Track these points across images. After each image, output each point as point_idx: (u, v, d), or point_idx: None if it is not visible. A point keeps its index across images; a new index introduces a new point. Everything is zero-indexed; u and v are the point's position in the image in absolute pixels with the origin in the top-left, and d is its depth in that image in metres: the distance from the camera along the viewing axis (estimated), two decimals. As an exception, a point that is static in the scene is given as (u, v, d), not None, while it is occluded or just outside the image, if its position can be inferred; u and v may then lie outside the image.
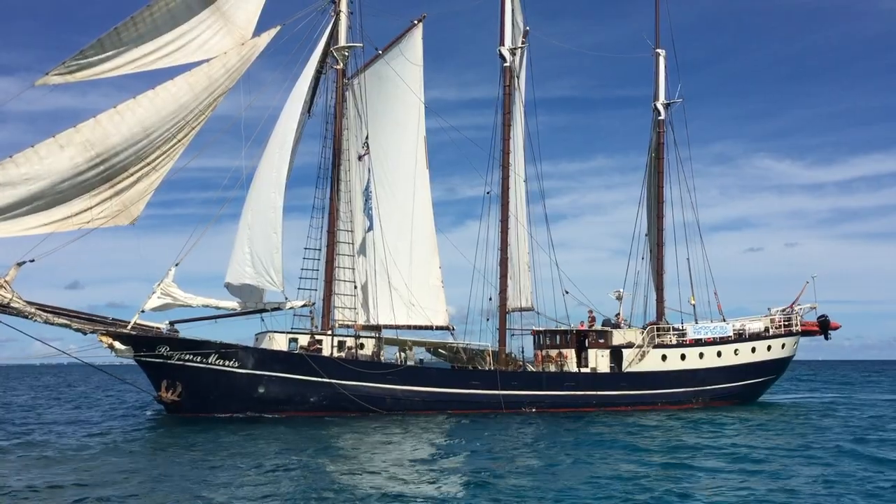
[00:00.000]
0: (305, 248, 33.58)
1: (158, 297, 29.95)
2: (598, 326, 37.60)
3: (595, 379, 35.74)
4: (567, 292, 37.26)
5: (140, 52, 28.23)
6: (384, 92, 35.72)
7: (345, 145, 34.65)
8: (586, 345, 36.39)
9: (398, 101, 35.93)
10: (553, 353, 36.52)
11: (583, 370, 35.89)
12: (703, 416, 32.36)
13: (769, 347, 38.91)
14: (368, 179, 33.85)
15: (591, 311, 38.19)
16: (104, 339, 28.50)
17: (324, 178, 34.40)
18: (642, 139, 45.25)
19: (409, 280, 34.78)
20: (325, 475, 17.43)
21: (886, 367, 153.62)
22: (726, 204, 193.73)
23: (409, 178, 35.93)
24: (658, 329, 38.02)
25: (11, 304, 26.74)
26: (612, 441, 23.75)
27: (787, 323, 39.39)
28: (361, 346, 33.29)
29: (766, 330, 39.19)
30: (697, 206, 41.58)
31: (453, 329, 36.13)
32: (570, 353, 36.17)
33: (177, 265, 30.44)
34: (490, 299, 36.96)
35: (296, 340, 32.16)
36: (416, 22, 36.34)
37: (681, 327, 38.64)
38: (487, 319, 36.73)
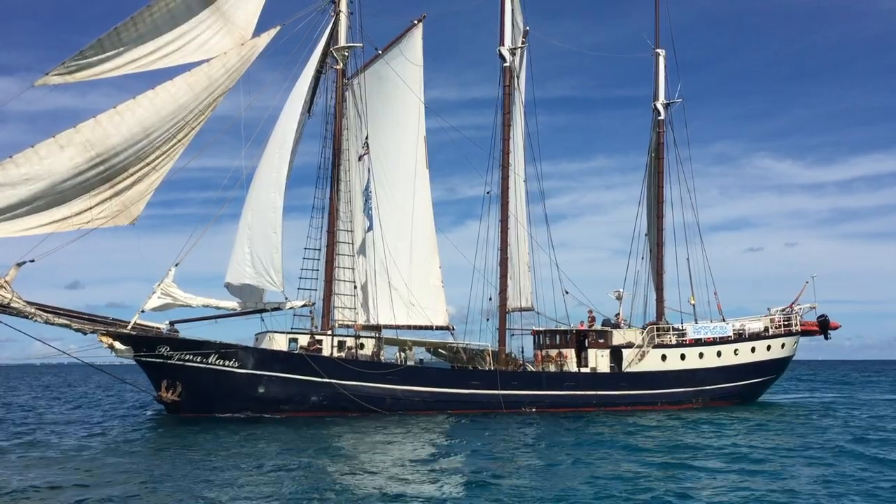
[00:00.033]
0: (305, 248, 33.67)
1: (158, 298, 29.96)
2: (597, 326, 37.60)
3: (595, 379, 35.75)
4: (567, 292, 37.34)
5: (140, 53, 28.23)
6: (384, 92, 35.73)
7: (345, 145, 34.66)
8: (586, 345, 36.40)
9: (398, 101, 35.94)
10: (553, 353, 36.53)
11: (583, 370, 35.90)
12: (703, 416, 32.36)
13: (769, 347, 38.92)
14: (368, 179, 33.85)
15: (590, 311, 38.27)
16: (104, 339, 28.51)
17: (324, 178, 34.48)
18: (642, 139, 45.32)
19: (409, 280, 34.79)
20: (326, 475, 17.44)
21: (886, 367, 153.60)
22: (726, 204, 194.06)
23: (409, 178, 35.94)
24: (658, 329, 38.04)
25: (11, 305, 26.74)
26: (612, 441, 23.75)
27: (786, 323, 39.40)
28: (361, 346, 33.29)
29: (766, 330, 39.20)
30: (697, 206, 41.68)
31: (453, 329, 36.19)
32: (570, 353, 36.18)
33: (177, 265, 30.45)
34: (490, 299, 37.01)
35: (296, 340, 32.16)
36: (415, 22, 36.35)
37: (681, 327, 38.65)
38: (487, 319, 36.81)
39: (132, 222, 29.70)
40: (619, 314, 39.09)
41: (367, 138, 34.44)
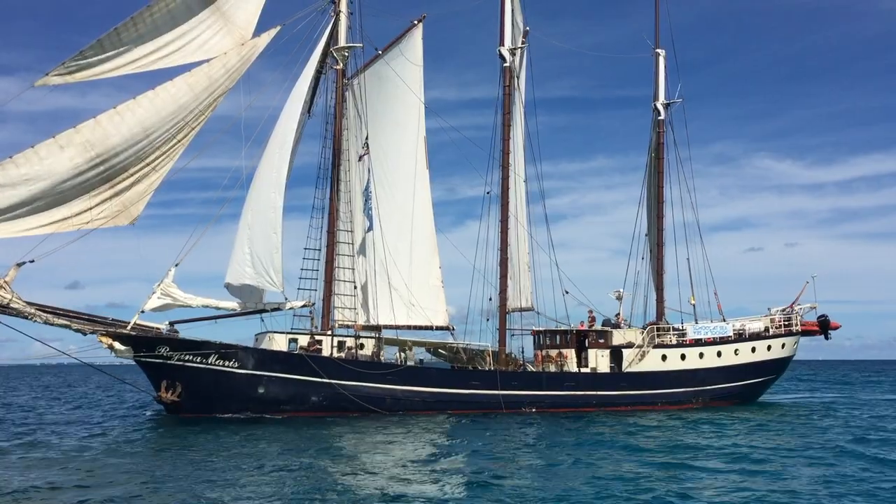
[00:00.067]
0: (305, 249, 33.65)
1: (158, 298, 29.94)
2: (598, 326, 37.60)
3: (595, 379, 35.74)
4: (567, 292, 37.33)
5: (140, 53, 28.21)
6: (384, 92, 35.72)
7: (345, 145, 34.65)
8: (586, 345, 36.39)
9: (398, 102, 35.93)
10: (553, 353, 36.52)
11: (583, 370, 35.89)
12: (703, 416, 32.36)
13: (769, 347, 38.92)
14: (368, 179, 33.84)
15: (591, 311, 38.27)
16: (104, 339, 28.50)
17: (324, 178, 34.47)
18: (642, 139, 45.32)
19: (409, 280, 34.78)
20: (327, 476, 17.43)
21: (887, 367, 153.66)
22: (726, 204, 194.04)
23: (408, 179, 35.93)
24: (658, 329, 38.03)
25: (11, 305, 26.73)
26: (613, 441, 23.75)
27: (787, 323, 39.40)
28: (361, 347, 33.28)
29: (766, 330, 39.20)
30: (697, 206, 41.67)
31: (453, 329, 36.17)
32: (570, 353, 36.17)
33: (177, 265, 30.44)
34: (490, 299, 37.01)
35: (296, 341, 32.15)
36: (415, 22, 36.34)
37: (681, 327, 38.65)
38: (487, 319, 36.81)
39: (132, 222, 29.69)
40: (619, 314, 39.09)
41: (367, 138, 34.43)
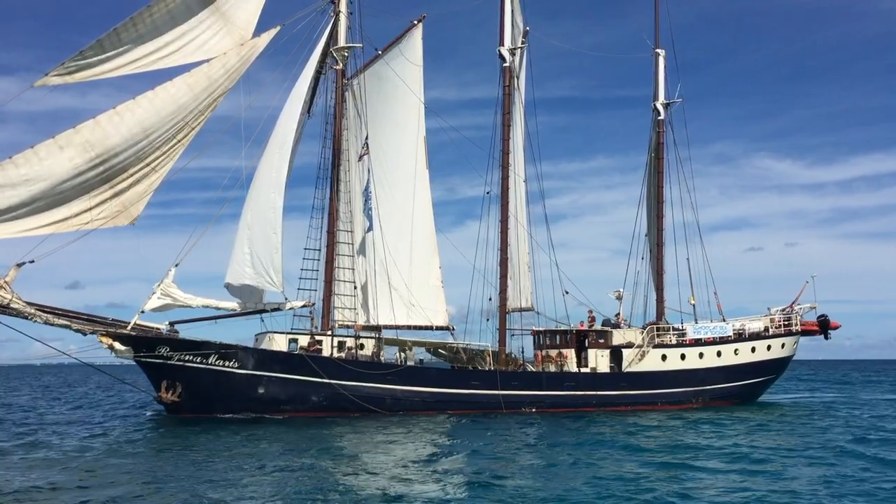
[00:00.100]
0: (305, 249, 33.66)
1: (158, 298, 29.94)
2: (598, 326, 37.60)
3: (595, 379, 35.75)
4: (567, 292, 37.35)
5: (140, 53, 28.20)
6: (384, 92, 35.72)
7: (344, 146, 34.65)
8: (586, 345, 36.39)
9: (398, 102, 35.93)
10: (553, 353, 36.53)
11: (583, 370, 35.89)
12: (703, 416, 32.36)
13: (769, 347, 38.93)
14: (368, 180, 33.83)
15: (591, 311, 38.27)
16: (104, 339, 28.51)
17: (323, 178, 34.47)
18: (642, 139, 45.33)
19: (409, 280, 34.78)
20: (328, 476, 17.44)
21: (887, 367, 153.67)
22: (726, 204, 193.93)
23: (408, 179, 35.93)
24: (658, 329, 38.04)
25: (11, 305, 26.73)
26: (613, 441, 23.75)
27: (786, 323, 39.41)
28: (361, 347, 33.29)
29: (766, 330, 39.20)
30: (697, 206, 41.71)
31: (453, 329, 36.18)
32: (570, 353, 36.17)
33: (176, 265, 30.43)
34: (490, 299, 37.02)
35: (296, 341, 32.15)
36: (415, 22, 36.34)
37: (681, 327, 38.65)
38: (487, 319, 36.81)
39: (132, 223, 29.68)
40: (619, 314, 39.10)
41: (366, 138, 34.42)
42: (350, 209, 34.39)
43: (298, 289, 32.98)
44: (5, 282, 26.81)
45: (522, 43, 38.73)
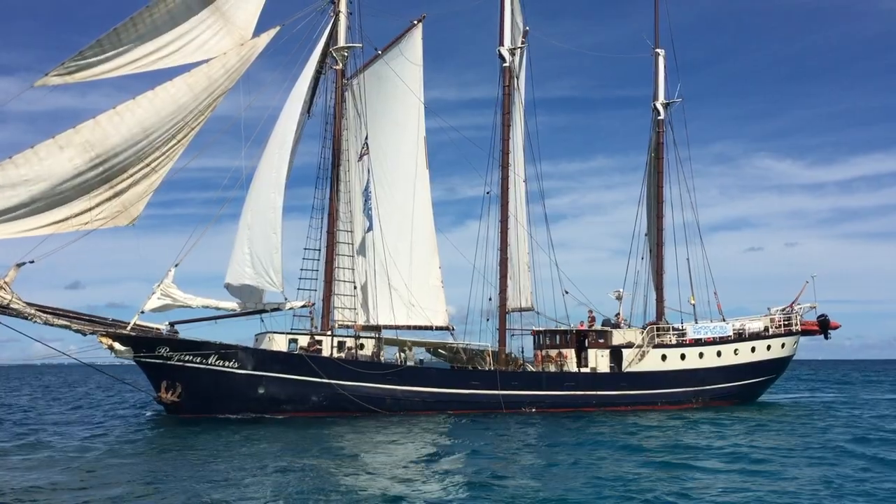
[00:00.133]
0: (305, 249, 33.65)
1: (158, 298, 29.94)
2: (597, 326, 37.60)
3: (595, 379, 35.74)
4: (567, 292, 37.35)
5: (139, 53, 28.19)
6: (383, 92, 35.72)
7: (344, 146, 34.65)
8: (586, 345, 36.40)
9: (398, 102, 35.92)
10: (553, 353, 36.53)
11: (583, 370, 35.89)
12: (703, 416, 32.36)
13: (769, 347, 38.92)
14: (368, 180, 33.83)
15: (590, 311, 38.28)
16: (104, 340, 28.51)
17: (323, 178, 34.46)
18: (642, 139, 45.33)
19: (409, 280, 34.78)
20: (329, 476, 17.44)
21: (887, 367, 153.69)
22: (726, 204, 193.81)
23: (408, 179, 35.93)
24: (658, 329, 38.04)
25: (11, 306, 26.73)
26: (613, 441, 23.73)
27: (786, 322, 39.41)
28: (361, 347, 33.28)
29: (766, 330, 39.20)
30: (697, 206, 41.74)
31: (453, 329, 36.18)
32: (570, 353, 36.17)
33: (176, 266, 30.43)
34: (490, 299, 37.02)
35: (295, 341, 32.15)
36: (415, 22, 36.33)
37: (681, 327, 38.66)
38: (487, 319, 36.81)
39: (132, 223, 29.67)
40: (619, 314, 39.11)
41: (366, 138, 34.42)
42: (350, 209, 34.39)
43: (298, 289, 33.06)
44: (5, 282, 26.81)
45: (522, 43, 38.73)
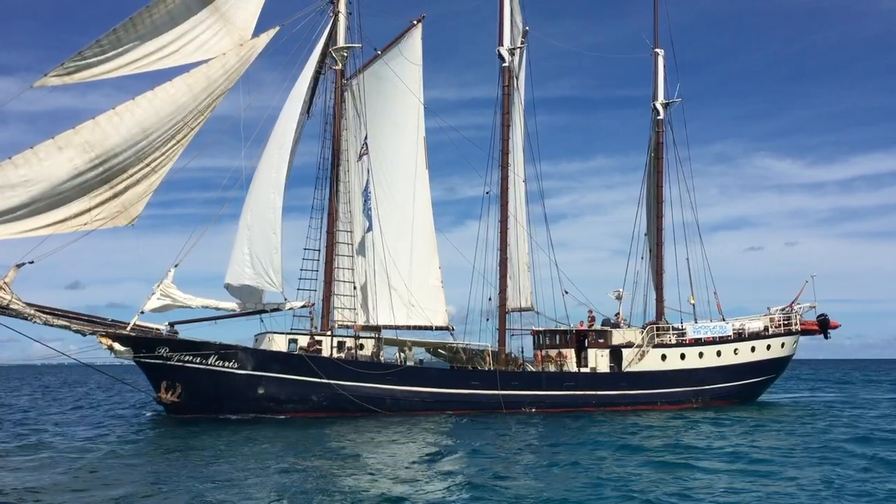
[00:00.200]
0: (305, 249, 33.66)
1: (158, 299, 29.94)
2: (597, 326, 37.60)
3: (595, 379, 35.75)
4: (567, 292, 37.37)
5: (139, 53, 28.19)
6: (383, 92, 35.71)
7: (344, 146, 34.65)
8: (586, 345, 36.40)
9: (397, 102, 35.92)
10: (553, 353, 36.53)
11: (582, 370, 35.89)
12: (703, 415, 32.37)
13: (769, 347, 38.93)
14: (367, 180, 33.82)
15: (590, 311, 38.30)
16: (104, 340, 28.52)
17: (323, 178, 34.47)
18: (642, 139, 45.31)
19: (409, 280, 34.78)
20: (330, 475, 17.44)
21: (887, 367, 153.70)
22: (726, 203, 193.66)
23: (408, 179, 35.92)
24: (658, 329, 38.05)
25: (11, 306, 26.73)
26: (613, 441, 23.73)
27: (786, 322, 39.42)
28: (361, 347, 33.29)
29: (766, 329, 39.20)
30: (697, 206, 41.77)
31: (453, 329, 36.18)
32: (570, 353, 36.18)
33: (176, 266, 30.44)
34: (490, 299, 37.02)
35: (295, 341, 32.16)
36: (415, 22, 36.33)
37: (680, 327, 38.65)
38: (487, 319, 36.81)
39: (131, 223, 29.67)
40: (618, 314, 39.11)
41: (366, 139, 34.42)
42: (349, 209, 34.39)
43: (298, 289, 33.07)
44: (5, 283, 26.82)
45: (522, 43, 38.72)
